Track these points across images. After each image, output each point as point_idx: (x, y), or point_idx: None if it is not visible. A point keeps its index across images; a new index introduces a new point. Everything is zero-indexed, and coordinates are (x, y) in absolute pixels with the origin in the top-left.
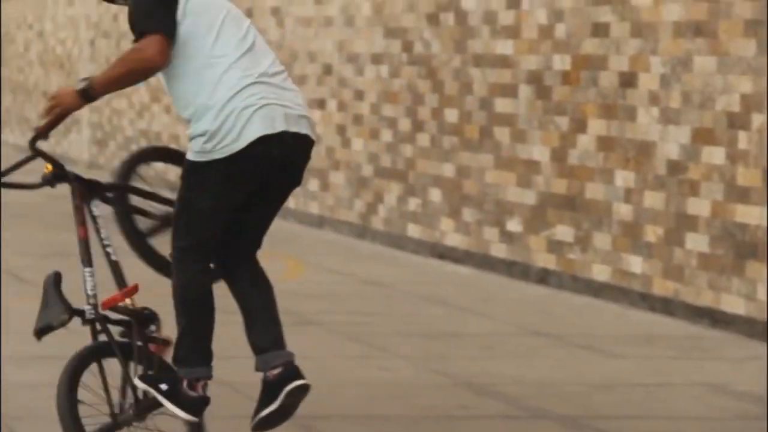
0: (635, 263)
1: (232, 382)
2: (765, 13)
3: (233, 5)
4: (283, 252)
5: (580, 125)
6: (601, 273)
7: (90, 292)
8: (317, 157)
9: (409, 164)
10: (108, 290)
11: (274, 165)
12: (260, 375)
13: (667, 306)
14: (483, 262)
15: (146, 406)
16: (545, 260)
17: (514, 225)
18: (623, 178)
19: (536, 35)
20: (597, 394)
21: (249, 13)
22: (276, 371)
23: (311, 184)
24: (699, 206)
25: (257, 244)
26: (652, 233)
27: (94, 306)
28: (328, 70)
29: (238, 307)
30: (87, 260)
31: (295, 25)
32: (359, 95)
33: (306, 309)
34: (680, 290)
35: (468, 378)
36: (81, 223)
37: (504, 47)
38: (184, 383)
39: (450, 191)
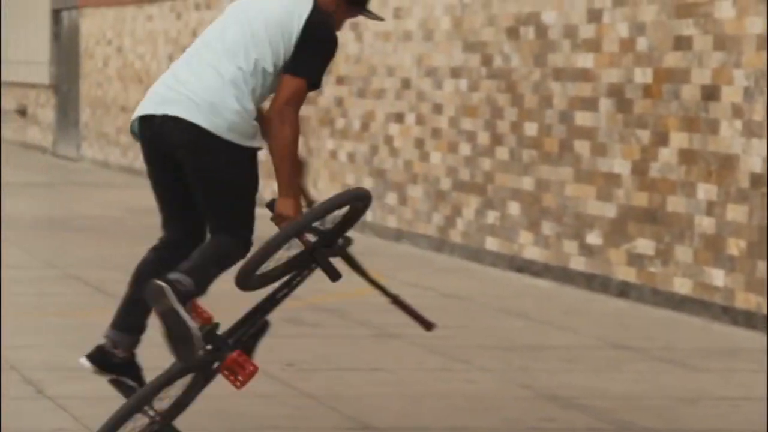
0: (717, 276)
1: (314, 395)
2: None
3: (264, 13)
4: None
5: (661, 138)
6: (682, 286)
7: None
8: (395, 170)
9: (488, 178)
10: None
11: (150, 147)
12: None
13: (749, 319)
14: (562, 275)
15: None
16: (626, 273)
17: (594, 238)
18: (705, 191)
19: (617, 48)
20: (681, 408)
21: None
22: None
23: (389, 197)
24: None
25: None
26: (735, 246)
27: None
28: (406, 84)
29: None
30: None
31: (374, 39)
32: (438, 109)
33: (386, 322)
34: (763, 303)
35: (551, 391)
36: None
37: (585, 61)
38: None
39: (529, 204)
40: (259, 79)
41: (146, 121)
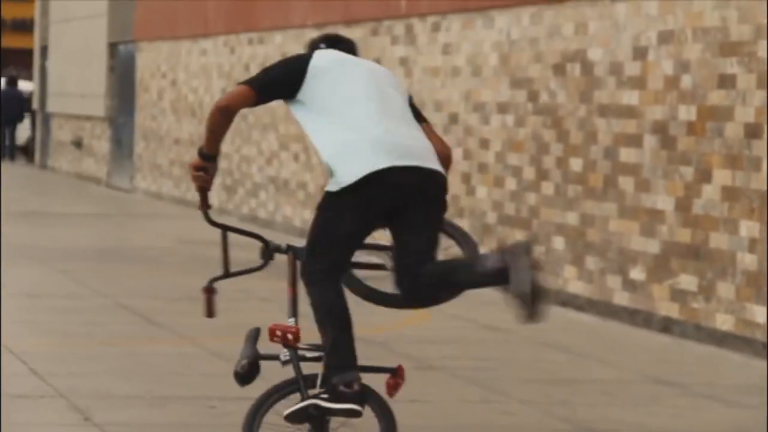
0: (759, 313)
1: (353, 425)
2: None
3: (369, 63)
4: None
5: (704, 175)
6: (724, 323)
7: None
8: None
9: (533, 212)
10: None
11: (392, 193)
12: None
13: None
14: (605, 310)
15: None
16: (668, 309)
17: (637, 273)
18: (748, 228)
19: (662, 86)
20: None
21: (377, 63)
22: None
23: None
24: None
25: (425, 262)
26: None
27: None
28: (454, 119)
29: (453, 274)
30: (292, 312)
31: (423, 75)
32: (484, 144)
33: (428, 354)
34: None
35: (589, 424)
36: (291, 285)
37: (630, 98)
38: (340, 387)
39: (573, 239)
40: None
41: (404, 171)
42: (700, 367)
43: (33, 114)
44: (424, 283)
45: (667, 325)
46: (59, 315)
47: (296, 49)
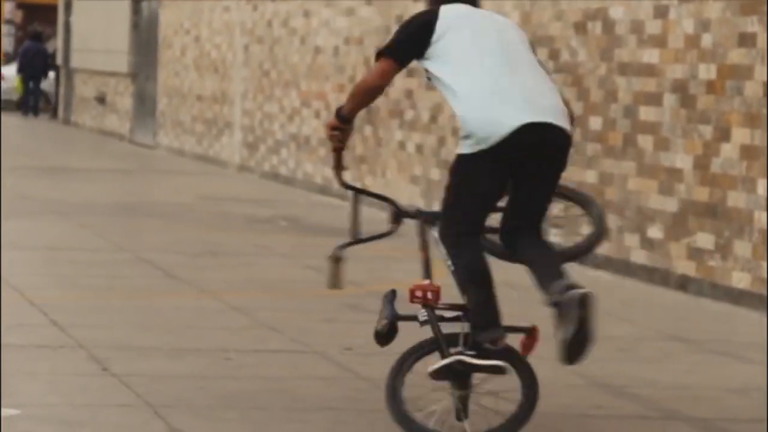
0: None
1: (372, 378)
2: None
3: (495, 15)
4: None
5: (723, 134)
6: (740, 281)
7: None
8: None
9: None
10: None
11: (520, 150)
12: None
13: None
14: (623, 268)
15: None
16: (685, 267)
17: (655, 232)
18: (765, 186)
19: (682, 45)
20: (730, 398)
21: (399, 20)
22: (559, 291)
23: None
24: None
25: (536, 222)
26: None
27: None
28: None
29: (529, 270)
30: (426, 275)
31: None
32: None
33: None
34: None
35: (604, 379)
36: (423, 248)
37: (650, 56)
38: (486, 344)
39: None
40: None
41: (531, 128)
42: (715, 324)
43: (57, 69)
44: (517, 252)
45: (683, 283)
46: (80, 268)
47: (318, 6)
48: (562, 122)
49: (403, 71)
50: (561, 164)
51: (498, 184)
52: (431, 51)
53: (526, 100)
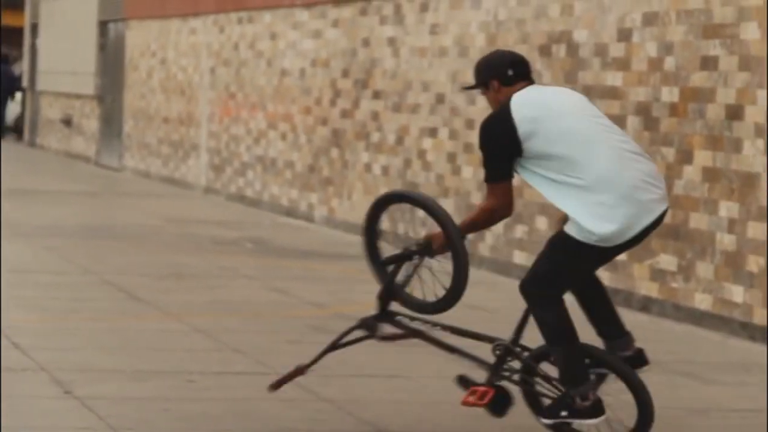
0: (737, 293)
1: (333, 399)
2: None
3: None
4: None
5: (686, 156)
6: (702, 302)
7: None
8: (427, 184)
9: (517, 192)
10: None
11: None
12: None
13: (767, 335)
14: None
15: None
16: (648, 288)
17: None
18: (727, 208)
19: (646, 67)
20: (691, 418)
21: (366, 43)
22: (629, 352)
23: (420, 211)
24: None
25: None
26: (755, 263)
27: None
28: (440, 99)
29: (583, 309)
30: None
31: (410, 55)
32: (470, 124)
33: None
34: None
35: None
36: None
37: (614, 79)
38: (577, 399)
39: (556, 219)
40: None
41: (648, 226)
42: (677, 345)
43: (23, 92)
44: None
45: (646, 304)
46: (45, 290)
47: (285, 28)
48: (663, 204)
49: (369, 93)
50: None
51: (595, 266)
52: (524, 159)
53: (647, 190)
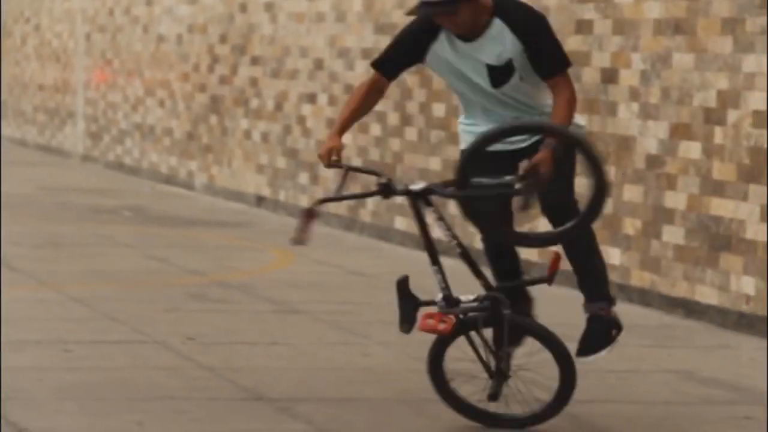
0: (614, 255)
1: (213, 367)
2: (741, 12)
3: None
4: (273, 243)
5: None
6: None
7: (441, 285)
8: (307, 150)
9: (397, 158)
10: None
11: None
12: None
13: (643, 297)
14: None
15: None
16: (525, 252)
17: None
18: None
19: None
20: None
21: (243, 8)
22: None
23: (301, 177)
24: (675, 200)
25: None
26: (631, 226)
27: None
28: (319, 64)
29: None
30: (434, 260)
31: (288, 21)
32: (349, 90)
33: (292, 298)
34: (656, 281)
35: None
36: (421, 229)
37: None
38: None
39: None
40: None
41: None
42: (556, 308)
43: None
44: None
45: (527, 269)
46: None
47: None
48: None
49: (247, 59)
50: None
51: None
52: None
53: None
